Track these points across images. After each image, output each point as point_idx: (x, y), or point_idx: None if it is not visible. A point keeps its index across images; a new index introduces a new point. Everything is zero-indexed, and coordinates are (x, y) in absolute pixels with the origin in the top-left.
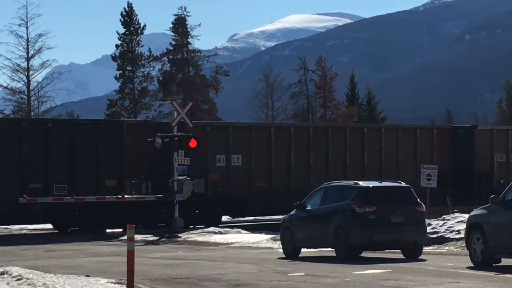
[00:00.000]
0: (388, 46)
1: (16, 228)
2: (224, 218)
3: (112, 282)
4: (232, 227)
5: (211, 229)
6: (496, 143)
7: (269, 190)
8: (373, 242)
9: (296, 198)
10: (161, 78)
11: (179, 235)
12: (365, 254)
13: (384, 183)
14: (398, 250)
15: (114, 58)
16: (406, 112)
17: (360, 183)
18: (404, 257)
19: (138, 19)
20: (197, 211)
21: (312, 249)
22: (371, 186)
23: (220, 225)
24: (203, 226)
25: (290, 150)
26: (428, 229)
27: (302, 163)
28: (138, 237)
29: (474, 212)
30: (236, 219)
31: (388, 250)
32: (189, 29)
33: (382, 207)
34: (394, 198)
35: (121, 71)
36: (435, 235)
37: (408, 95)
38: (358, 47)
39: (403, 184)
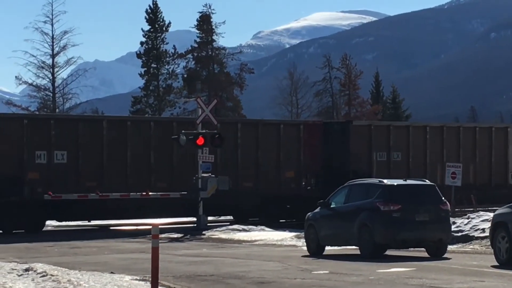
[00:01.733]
0: (412, 44)
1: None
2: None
3: (136, 279)
4: (256, 224)
5: (235, 226)
6: (375, 140)
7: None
8: (397, 240)
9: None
10: (185, 76)
11: (203, 232)
12: (389, 252)
13: (409, 181)
14: (423, 249)
15: (138, 55)
16: (430, 110)
17: (385, 181)
18: (428, 256)
19: (163, 17)
20: None
21: (336, 247)
22: (395, 184)
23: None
24: (229, 223)
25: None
26: (453, 228)
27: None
28: (162, 234)
29: (499, 210)
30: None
31: (412, 249)
32: (213, 27)
33: (406, 205)
34: (419, 196)
35: (145, 68)
36: (459, 234)
37: (433, 93)
38: (382, 45)
39: (428, 182)
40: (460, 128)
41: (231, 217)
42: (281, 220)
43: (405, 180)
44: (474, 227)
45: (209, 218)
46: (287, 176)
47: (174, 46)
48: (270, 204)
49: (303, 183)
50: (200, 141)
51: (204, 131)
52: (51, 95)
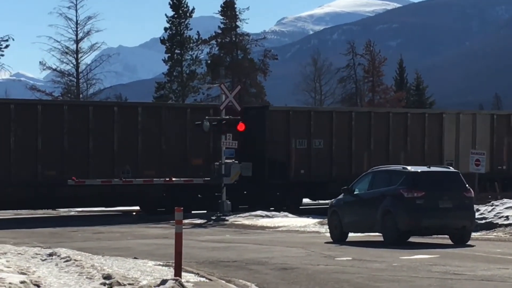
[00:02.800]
0: (437, 31)
1: (64, 210)
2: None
3: (159, 265)
4: (279, 210)
5: (258, 212)
6: (293, 127)
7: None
8: (420, 227)
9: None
10: (209, 62)
11: (226, 218)
12: (412, 239)
13: (433, 168)
14: (446, 236)
15: (162, 41)
16: (455, 97)
17: (409, 168)
18: (452, 243)
19: (187, 2)
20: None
21: (359, 234)
22: (419, 171)
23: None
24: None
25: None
26: (476, 215)
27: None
28: (185, 220)
29: None
30: None
31: (436, 236)
32: (237, 13)
33: (430, 192)
34: (442, 183)
35: (169, 54)
36: (483, 221)
37: (457, 80)
38: (407, 32)
39: (451, 169)
40: (389, 114)
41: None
42: (193, 211)
43: (429, 167)
44: (498, 214)
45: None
46: (194, 163)
47: (198, 32)
48: (179, 193)
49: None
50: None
51: (228, 117)
52: (75, 80)
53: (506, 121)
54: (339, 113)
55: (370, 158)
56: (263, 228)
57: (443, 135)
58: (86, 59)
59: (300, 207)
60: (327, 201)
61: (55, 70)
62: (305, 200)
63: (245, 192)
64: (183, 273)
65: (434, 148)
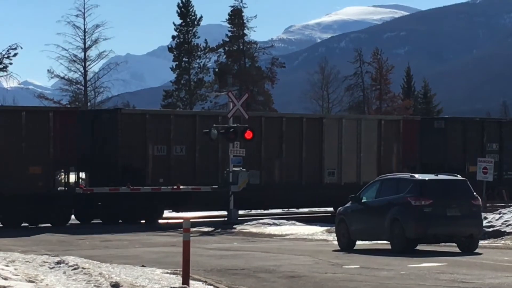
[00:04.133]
0: (444, 39)
1: (72, 218)
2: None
3: (167, 272)
4: (287, 219)
5: (266, 220)
6: (152, 131)
7: None
8: (428, 235)
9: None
10: (217, 70)
11: (234, 226)
12: (420, 247)
13: (440, 176)
14: (454, 244)
15: (170, 49)
16: (462, 105)
17: (416, 176)
18: (459, 251)
19: (195, 11)
20: None
21: (367, 242)
22: (427, 179)
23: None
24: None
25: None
26: (484, 223)
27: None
28: (193, 228)
29: None
30: (287, 210)
31: (443, 244)
32: (245, 21)
33: (438, 200)
34: (450, 191)
35: (177, 62)
36: (491, 229)
37: (465, 88)
38: (414, 40)
39: (459, 177)
40: (261, 118)
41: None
42: (23, 224)
43: (437, 175)
44: (505, 222)
45: None
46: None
47: (205, 40)
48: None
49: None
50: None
51: (235, 125)
52: (83, 88)
53: (395, 127)
54: (203, 117)
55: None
56: (270, 236)
57: (323, 141)
58: (94, 67)
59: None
60: (192, 214)
61: (63, 78)
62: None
63: (99, 203)
64: (190, 281)
65: (313, 155)
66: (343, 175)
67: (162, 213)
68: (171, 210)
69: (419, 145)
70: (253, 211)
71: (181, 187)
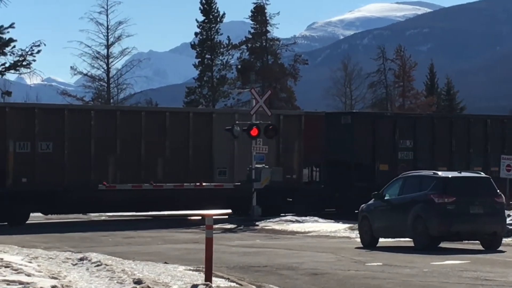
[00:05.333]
0: (467, 35)
1: (94, 215)
2: None
3: (190, 269)
4: (310, 216)
5: (289, 217)
6: (11, 126)
7: None
8: (451, 232)
9: None
10: (239, 66)
11: (257, 223)
12: (443, 244)
13: (464, 173)
14: (477, 241)
15: (193, 46)
16: (486, 102)
17: (439, 173)
18: (482, 248)
19: (218, 7)
20: None
21: (390, 239)
22: (450, 176)
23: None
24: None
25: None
26: (508, 220)
27: None
28: (216, 225)
29: None
30: None
31: (466, 241)
32: (268, 18)
33: (461, 198)
34: (474, 188)
35: (200, 59)
36: None
37: (488, 85)
38: (437, 36)
39: (482, 174)
40: (142, 113)
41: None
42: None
43: (460, 172)
44: None
45: None
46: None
47: (228, 37)
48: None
49: None
50: (254, 132)
51: (258, 122)
52: (106, 85)
53: (297, 122)
54: (73, 111)
55: (116, 164)
56: (293, 233)
57: (213, 139)
58: (117, 64)
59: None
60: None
61: (86, 75)
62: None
63: None
64: (213, 278)
65: (201, 153)
66: (236, 174)
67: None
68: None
69: (326, 142)
70: None
71: (203, 184)
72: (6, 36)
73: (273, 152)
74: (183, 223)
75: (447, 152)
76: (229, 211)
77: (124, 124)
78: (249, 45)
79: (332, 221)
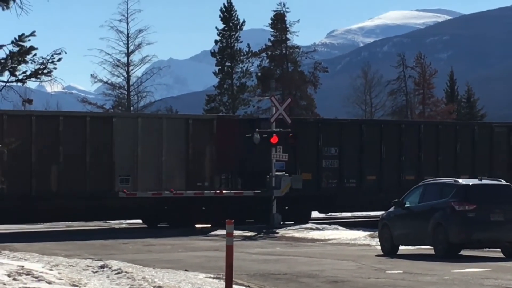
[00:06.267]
0: (488, 43)
1: (115, 222)
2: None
3: (210, 277)
4: (329, 223)
5: (309, 225)
6: None
7: None
8: (472, 240)
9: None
10: (259, 74)
11: (277, 231)
12: (463, 252)
13: (484, 181)
14: (498, 249)
15: (213, 53)
16: (507, 109)
17: (460, 180)
18: (503, 256)
19: (238, 15)
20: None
21: (410, 247)
22: (471, 184)
23: (317, 221)
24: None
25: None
26: None
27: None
28: (236, 232)
29: None
30: (329, 215)
31: (487, 249)
32: (288, 25)
33: (481, 205)
34: (494, 196)
35: (220, 67)
36: None
37: (509, 92)
38: (457, 44)
39: (503, 182)
40: (31, 117)
41: None
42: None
43: (480, 180)
44: None
45: None
46: None
47: (248, 44)
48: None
49: None
50: (274, 139)
51: (278, 129)
52: (126, 93)
53: (208, 127)
54: None
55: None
56: (313, 240)
57: (113, 143)
58: (137, 72)
59: None
60: None
61: (106, 82)
62: None
63: None
64: (234, 286)
65: (99, 157)
66: (140, 182)
67: None
68: None
69: (243, 148)
70: None
71: (223, 191)
72: (27, 44)
73: (180, 159)
74: (204, 231)
75: (377, 159)
76: None
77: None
78: (269, 52)
79: (353, 228)
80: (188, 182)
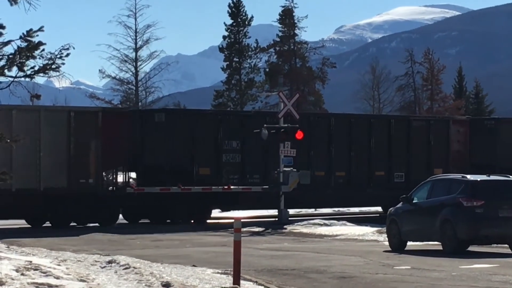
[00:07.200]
0: (496, 39)
1: (120, 217)
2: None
3: (218, 272)
4: (338, 219)
5: (317, 221)
6: None
7: None
8: (480, 236)
9: None
10: (267, 70)
11: (285, 226)
12: (472, 248)
13: (492, 177)
14: (506, 245)
15: (221, 49)
16: None
17: (468, 176)
18: (511, 252)
19: (246, 11)
20: None
21: (418, 243)
22: (479, 179)
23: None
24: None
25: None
26: None
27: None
28: (243, 228)
29: None
30: (338, 210)
31: (495, 245)
32: (296, 21)
33: (489, 201)
34: (502, 192)
35: (228, 62)
36: None
37: None
38: (466, 40)
39: (511, 178)
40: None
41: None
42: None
43: (489, 176)
44: None
45: None
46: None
47: (256, 40)
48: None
49: None
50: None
51: (286, 125)
52: (134, 88)
53: (93, 120)
54: None
55: None
56: (321, 236)
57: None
58: (145, 67)
59: None
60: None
61: (114, 78)
62: None
63: None
64: (241, 281)
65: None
66: (19, 179)
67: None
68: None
69: (140, 142)
70: (303, 211)
71: (231, 187)
72: (35, 39)
73: (62, 154)
74: (211, 226)
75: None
76: None
77: None
78: (277, 48)
79: (360, 224)
80: (70, 179)
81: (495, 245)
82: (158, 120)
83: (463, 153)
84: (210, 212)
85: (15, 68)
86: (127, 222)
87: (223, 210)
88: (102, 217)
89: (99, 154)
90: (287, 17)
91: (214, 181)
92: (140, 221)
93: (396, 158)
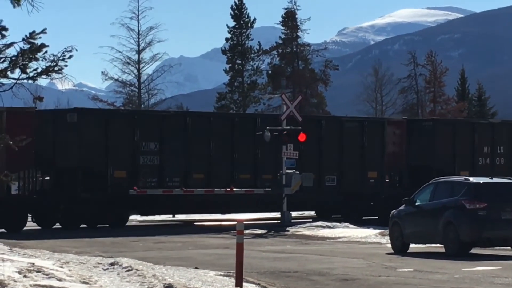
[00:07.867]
0: (499, 41)
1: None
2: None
3: (221, 275)
4: (340, 221)
5: (319, 223)
6: None
7: None
8: (482, 238)
9: None
10: (270, 72)
11: (287, 228)
12: (474, 250)
13: (495, 179)
14: (508, 247)
15: (223, 51)
16: None
17: (471, 179)
18: None
19: (248, 13)
20: None
21: (421, 245)
22: (481, 182)
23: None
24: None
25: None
26: None
27: None
28: (246, 230)
29: None
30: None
31: (498, 247)
32: (298, 23)
33: (492, 204)
34: (505, 194)
35: (230, 65)
36: None
37: None
38: (468, 42)
39: None
40: None
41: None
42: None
43: (491, 178)
44: None
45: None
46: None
47: (259, 42)
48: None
49: None
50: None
51: (288, 127)
52: (137, 90)
53: (24, 122)
54: None
55: None
56: (324, 238)
57: None
58: (148, 70)
59: None
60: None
61: (117, 80)
62: None
63: None
64: (244, 284)
65: None
66: None
67: None
68: None
69: (52, 143)
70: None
71: (234, 189)
72: (38, 42)
73: None
74: (214, 228)
75: (205, 156)
76: None
77: None
78: (280, 50)
79: (363, 226)
80: None
81: (498, 247)
82: (70, 121)
83: (400, 154)
84: (127, 217)
85: (17, 70)
86: (40, 227)
87: (142, 214)
88: (6, 223)
89: (2, 156)
90: (289, 19)
91: (129, 184)
92: (53, 227)
93: (327, 161)
